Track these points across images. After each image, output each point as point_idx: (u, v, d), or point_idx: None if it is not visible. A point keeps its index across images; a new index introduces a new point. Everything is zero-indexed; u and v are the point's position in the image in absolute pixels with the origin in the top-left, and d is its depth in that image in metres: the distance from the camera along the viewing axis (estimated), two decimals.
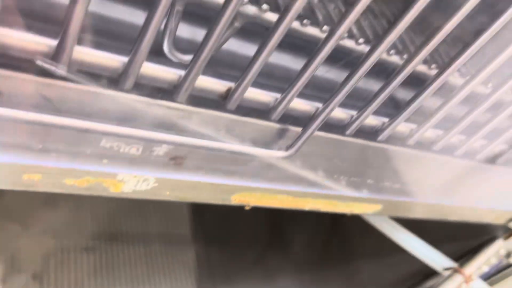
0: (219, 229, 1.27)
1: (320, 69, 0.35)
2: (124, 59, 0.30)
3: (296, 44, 0.41)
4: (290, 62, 0.44)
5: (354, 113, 0.40)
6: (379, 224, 0.73)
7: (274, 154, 0.39)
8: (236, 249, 1.23)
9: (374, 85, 0.43)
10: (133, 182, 0.40)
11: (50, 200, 1.06)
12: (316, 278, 1.09)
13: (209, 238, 1.25)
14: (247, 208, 0.50)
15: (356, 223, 1.01)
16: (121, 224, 1.20)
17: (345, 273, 1.03)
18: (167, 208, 1.28)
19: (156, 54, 0.32)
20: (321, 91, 0.40)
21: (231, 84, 0.34)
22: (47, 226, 1.06)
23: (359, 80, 0.36)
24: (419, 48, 0.38)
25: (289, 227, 1.23)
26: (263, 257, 1.21)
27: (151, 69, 0.31)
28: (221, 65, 0.38)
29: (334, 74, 0.43)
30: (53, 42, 0.28)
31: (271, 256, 1.21)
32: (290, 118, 0.39)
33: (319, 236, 1.12)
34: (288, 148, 0.40)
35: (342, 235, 1.06)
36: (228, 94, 0.34)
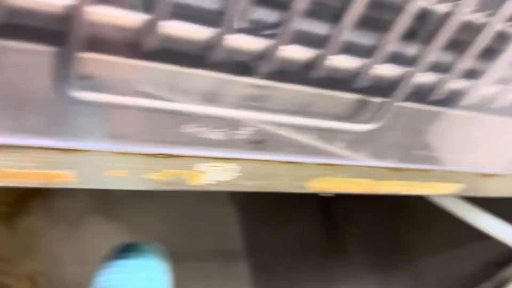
0: (272, 241, 1.24)
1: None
2: (212, 30, 0.29)
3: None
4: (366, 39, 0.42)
5: (440, 76, 0.38)
6: (454, 208, 0.69)
7: (360, 128, 0.38)
8: (292, 259, 1.21)
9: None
10: (213, 172, 0.38)
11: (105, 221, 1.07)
12: (381, 279, 1.05)
13: (264, 250, 1.23)
14: (323, 195, 0.48)
15: (420, 216, 0.97)
16: (174, 244, 1.20)
17: (412, 271, 0.99)
18: (219, 226, 1.27)
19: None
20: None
21: (317, 52, 0.33)
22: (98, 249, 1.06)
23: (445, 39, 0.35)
24: None
25: (345, 229, 1.20)
26: (321, 264, 1.18)
27: (235, 42, 0.30)
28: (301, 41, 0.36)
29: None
30: (143, 17, 0.27)
31: (329, 261, 1.18)
32: (374, 89, 0.37)
33: (380, 235, 1.08)
34: (373, 120, 0.38)
35: (404, 232, 1.02)
36: (313, 63, 0.33)
